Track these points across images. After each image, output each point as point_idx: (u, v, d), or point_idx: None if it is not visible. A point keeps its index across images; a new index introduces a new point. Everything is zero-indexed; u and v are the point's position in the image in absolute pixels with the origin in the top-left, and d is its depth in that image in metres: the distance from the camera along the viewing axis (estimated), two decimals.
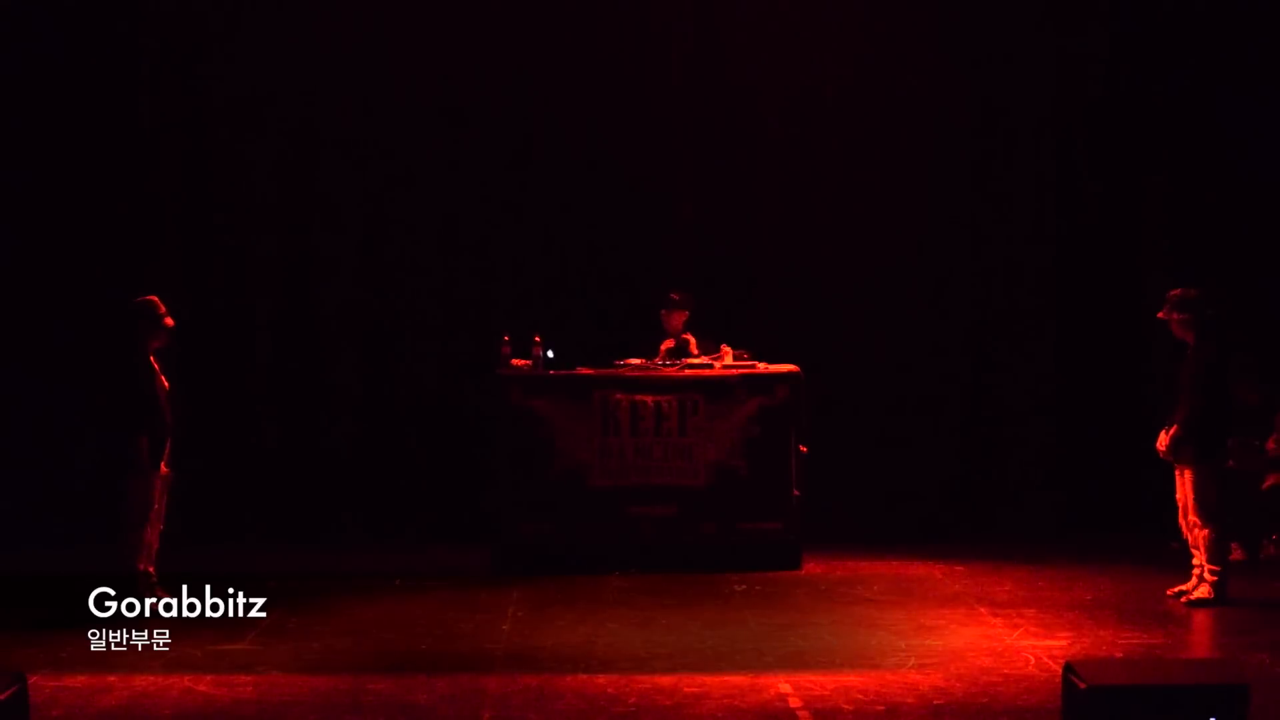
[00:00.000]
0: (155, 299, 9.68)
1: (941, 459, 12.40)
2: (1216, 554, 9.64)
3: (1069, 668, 6.70)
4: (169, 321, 9.66)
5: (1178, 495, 9.79)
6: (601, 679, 8.02)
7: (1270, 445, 11.18)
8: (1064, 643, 8.72)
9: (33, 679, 7.60)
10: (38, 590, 10.35)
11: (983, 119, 12.54)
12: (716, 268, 12.51)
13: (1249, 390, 11.46)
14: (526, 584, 10.43)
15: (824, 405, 11.42)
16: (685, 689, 7.81)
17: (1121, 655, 8.45)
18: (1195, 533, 9.70)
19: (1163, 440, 9.71)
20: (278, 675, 8.17)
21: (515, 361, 11.06)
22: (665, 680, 7.98)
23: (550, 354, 11.00)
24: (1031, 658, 8.39)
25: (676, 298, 11.57)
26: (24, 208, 12.08)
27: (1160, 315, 9.79)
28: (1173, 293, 9.78)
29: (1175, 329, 9.75)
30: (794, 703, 7.56)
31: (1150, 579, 10.48)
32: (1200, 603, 9.60)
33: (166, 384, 9.67)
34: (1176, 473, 9.76)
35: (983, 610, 9.59)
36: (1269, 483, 10.96)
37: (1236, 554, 10.97)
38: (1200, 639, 8.87)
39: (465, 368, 12.02)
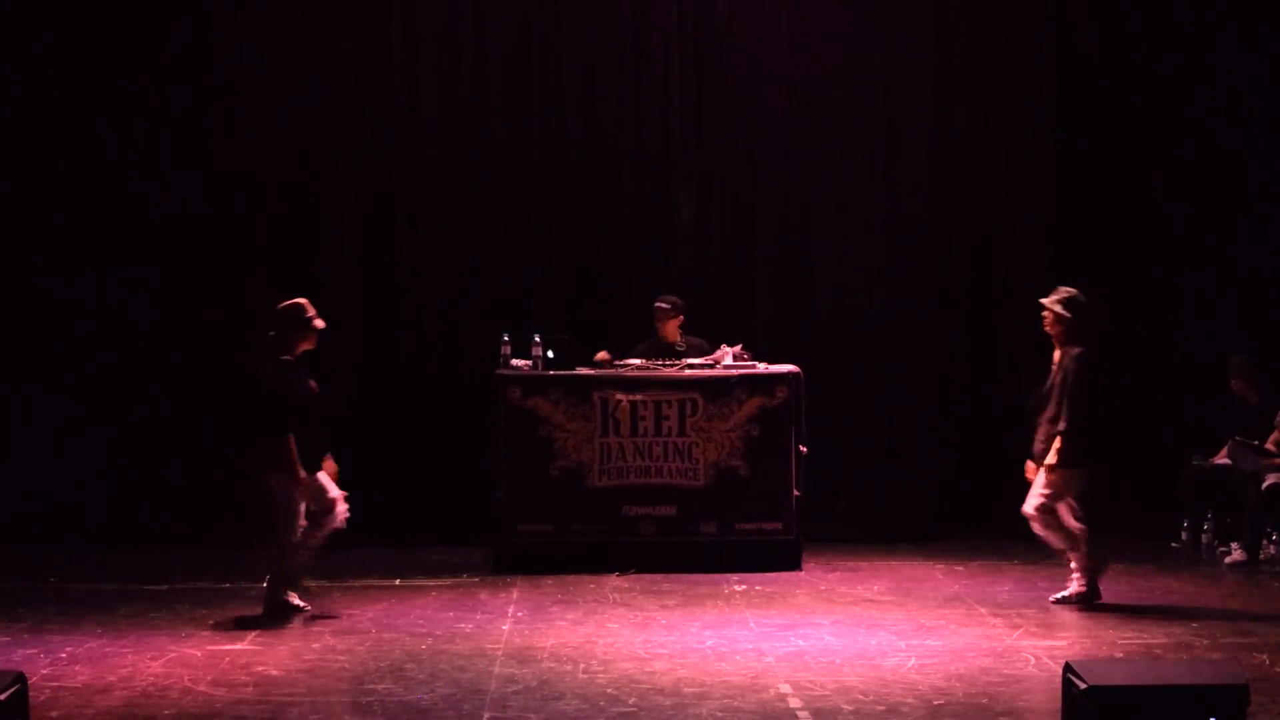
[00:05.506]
0: (305, 301, 9.58)
1: (941, 459, 12.39)
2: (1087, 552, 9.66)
3: (1069, 668, 6.70)
4: (319, 323, 9.56)
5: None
6: (601, 679, 8.02)
7: (1270, 445, 11.19)
8: (1064, 643, 8.72)
9: (33, 679, 7.60)
10: (39, 590, 10.38)
11: (983, 121, 12.54)
12: (716, 268, 12.52)
13: (1249, 390, 11.47)
14: (526, 584, 10.43)
15: (824, 405, 11.41)
16: (685, 689, 7.82)
17: (1121, 655, 8.45)
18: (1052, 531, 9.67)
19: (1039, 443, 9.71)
20: (278, 675, 8.17)
21: (515, 361, 11.06)
22: (665, 680, 7.99)
23: (550, 354, 11.00)
24: (1031, 658, 8.40)
25: (668, 305, 11.55)
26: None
27: (1044, 301, 9.70)
28: (1062, 288, 9.72)
29: (1048, 322, 9.69)
30: (794, 703, 7.56)
31: (1150, 579, 10.50)
32: (1068, 600, 9.65)
33: (315, 386, 9.59)
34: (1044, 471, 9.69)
35: (983, 610, 9.59)
36: (1269, 483, 10.95)
37: (1237, 554, 10.98)
38: (1200, 639, 8.86)
39: (465, 368, 12.01)
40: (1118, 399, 10.76)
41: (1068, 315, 9.63)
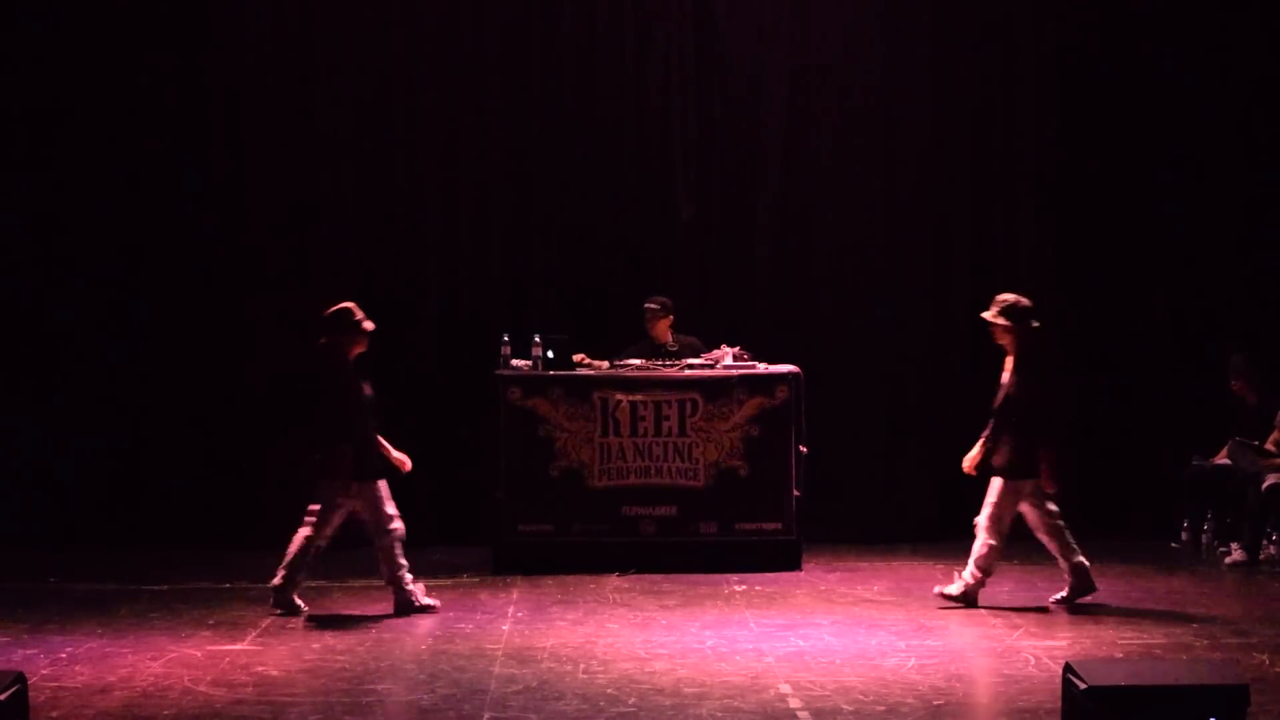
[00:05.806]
0: (353, 305, 9.53)
1: (941, 459, 12.38)
2: (988, 563, 9.61)
3: (1069, 668, 6.70)
4: (368, 325, 9.51)
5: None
6: (601, 679, 8.02)
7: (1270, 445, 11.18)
8: (1064, 643, 8.73)
9: (33, 679, 7.60)
10: (39, 590, 10.38)
11: (983, 121, 12.54)
12: (717, 267, 12.52)
13: (1249, 390, 11.47)
14: (526, 584, 10.43)
15: (824, 405, 11.41)
16: (685, 689, 7.82)
17: (1121, 655, 8.45)
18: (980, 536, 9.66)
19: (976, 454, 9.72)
20: (278, 675, 8.17)
21: (515, 361, 11.06)
22: (665, 680, 7.99)
23: (550, 354, 11.00)
24: (1031, 658, 8.40)
25: (657, 305, 11.55)
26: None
27: (985, 316, 9.72)
28: (999, 297, 9.71)
29: (997, 334, 9.70)
30: (794, 703, 7.56)
31: (1150, 579, 10.50)
32: (948, 598, 9.62)
33: (370, 390, 9.56)
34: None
35: (983, 610, 9.59)
36: (1269, 483, 10.94)
37: (1237, 554, 10.98)
38: (1200, 639, 8.86)
39: (465, 368, 12.01)
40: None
41: (1009, 323, 9.63)
